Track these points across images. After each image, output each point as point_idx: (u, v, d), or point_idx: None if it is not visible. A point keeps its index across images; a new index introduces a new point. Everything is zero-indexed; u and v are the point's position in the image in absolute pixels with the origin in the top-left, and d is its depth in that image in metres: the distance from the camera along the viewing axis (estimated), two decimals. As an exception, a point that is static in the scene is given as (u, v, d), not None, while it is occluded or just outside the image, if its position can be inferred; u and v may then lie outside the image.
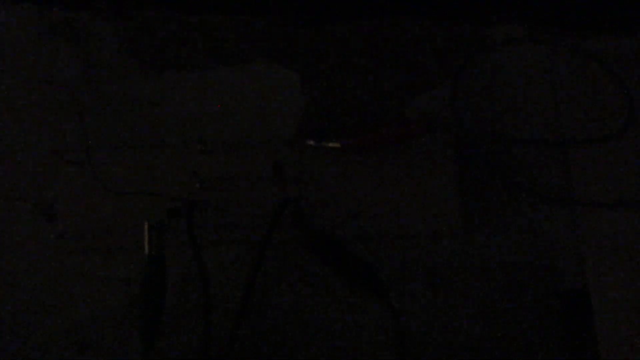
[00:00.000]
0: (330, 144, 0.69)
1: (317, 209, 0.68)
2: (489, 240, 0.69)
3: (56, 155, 0.72)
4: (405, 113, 0.71)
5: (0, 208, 0.72)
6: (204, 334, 0.63)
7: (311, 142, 0.69)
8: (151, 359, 0.63)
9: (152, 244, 0.64)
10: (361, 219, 0.68)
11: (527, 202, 0.70)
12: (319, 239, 0.66)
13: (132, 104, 0.75)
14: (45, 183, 0.72)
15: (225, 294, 0.67)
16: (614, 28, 0.75)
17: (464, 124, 0.72)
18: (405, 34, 0.77)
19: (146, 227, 0.64)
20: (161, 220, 0.65)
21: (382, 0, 0.78)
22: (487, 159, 0.71)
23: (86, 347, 0.67)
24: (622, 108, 0.71)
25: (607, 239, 0.67)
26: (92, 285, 0.69)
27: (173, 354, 0.66)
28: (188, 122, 0.74)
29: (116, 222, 0.69)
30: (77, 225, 0.69)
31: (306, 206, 0.68)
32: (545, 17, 0.77)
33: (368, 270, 0.65)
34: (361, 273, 0.66)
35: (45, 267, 0.70)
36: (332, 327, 0.67)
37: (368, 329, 0.67)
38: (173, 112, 0.75)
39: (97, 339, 0.67)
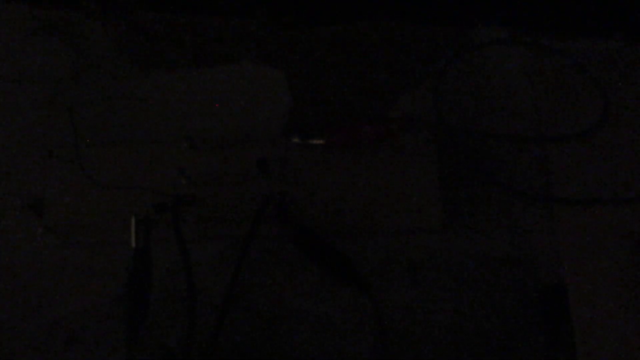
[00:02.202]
0: (315, 141, 0.70)
1: (301, 205, 0.70)
2: (468, 235, 0.70)
3: (45, 152, 0.73)
4: (389, 113, 0.73)
5: (-11, 203, 0.73)
6: (188, 326, 0.64)
7: (296, 140, 0.71)
8: (136, 352, 0.64)
9: (138, 238, 0.65)
10: (344, 215, 0.70)
11: (506, 199, 0.71)
12: (303, 233, 0.67)
13: (120, 102, 0.77)
14: (34, 178, 0.73)
15: (211, 288, 0.68)
16: (591, 31, 0.77)
17: (445, 121, 0.74)
18: (390, 36, 0.78)
19: (133, 221, 0.66)
20: (148, 215, 0.66)
21: (367, 3, 0.79)
22: (467, 156, 0.73)
23: (73, 340, 0.68)
24: (597, 106, 0.73)
25: (584, 234, 0.69)
26: (79, 279, 0.70)
27: (158, 347, 0.67)
28: (176, 119, 0.76)
29: (103, 216, 0.70)
30: (65, 220, 0.70)
31: (290, 202, 0.69)
32: (526, 20, 0.78)
33: (349, 265, 0.67)
34: (343, 267, 0.67)
35: (33, 261, 0.71)
36: (314, 320, 0.68)
37: (350, 322, 0.68)
38: (161, 110, 0.76)
39: (84, 332, 0.68)
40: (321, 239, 0.67)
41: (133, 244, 0.65)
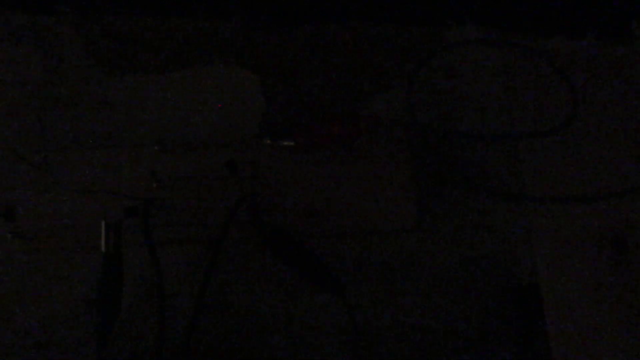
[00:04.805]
0: (285, 142, 0.70)
1: (273, 207, 0.69)
2: (443, 236, 0.70)
3: (15, 156, 0.73)
4: (357, 112, 0.73)
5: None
6: (157, 331, 0.63)
7: (268, 141, 0.70)
8: (106, 358, 0.63)
9: (108, 242, 0.65)
10: (317, 216, 0.69)
11: (479, 198, 0.71)
12: (275, 236, 0.67)
13: (91, 105, 0.76)
14: (5, 183, 0.72)
15: (183, 292, 0.68)
16: (563, 30, 0.77)
17: (418, 121, 0.74)
18: (363, 36, 0.78)
19: (103, 225, 0.65)
20: (118, 219, 0.66)
21: (340, 5, 0.79)
22: (440, 155, 0.73)
23: (42, 347, 0.67)
24: (568, 104, 0.73)
25: (557, 233, 0.69)
26: (49, 284, 0.69)
27: (128, 353, 0.67)
28: (148, 123, 0.75)
29: (73, 221, 0.70)
30: (36, 224, 0.70)
31: (262, 204, 0.69)
32: (498, 19, 0.78)
33: (323, 266, 0.66)
34: (316, 269, 0.66)
35: (2, 266, 0.70)
36: (288, 323, 0.68)
37: (324, 325, 0.67)
38: (133, 113, 0.76)
39: (53, 338, 0.68)
40: (294, 241, 0.67)
41: (103, 249, 0.65)
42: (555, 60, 0.75)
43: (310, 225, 0.69)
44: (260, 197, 0.69)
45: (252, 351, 0.67)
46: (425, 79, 0.76)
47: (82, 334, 0.67)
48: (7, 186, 0.72)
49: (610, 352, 0.64)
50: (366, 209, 0.70)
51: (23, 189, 0.72)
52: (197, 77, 0.77)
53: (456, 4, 0.79)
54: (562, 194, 0.70)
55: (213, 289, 0.68)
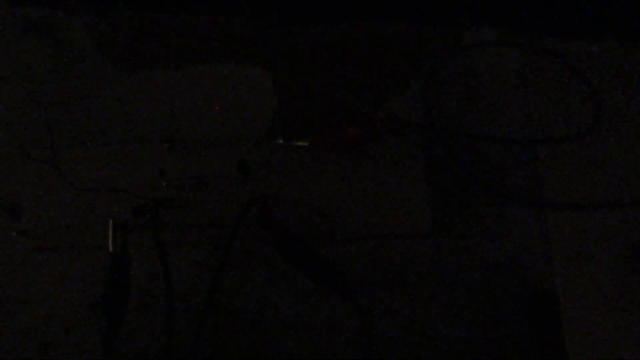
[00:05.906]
0: (299, 143, 0.68)
1: (285, 208, 0.68)
2: (457, 240, 0.69)
3: (22, 152, 0.72)
4: (377, 114, 0.71)
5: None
6: (166, 333, 0.62)
7: (280, 141, 0.69)
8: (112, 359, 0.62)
9: (116, 242, 0.64)
10: (330, 219, 0.68)
11: (496, 203, 0.70)
12: (286, 238, 0.66)
13: (100, 101, 0.75)
14: (11, 180, 0.71)
15: (191, 294, 0.66)
16: (583, 32, 0.76)
17: (434, 123, 0.72)
18: (379, 36, 0.77)
19: (111, 225, 0.64)
20: (126, 219, 0.65)
21: (355, 3, 0.78)
22: (457, 159, 0.71)
23: (48, 346, 0.66)
24: (590, 109, 0.72)
25: (575, 240, 0.67)
26: (55, 283, 0.68)
27: (135, 354, 0.65)
28: (157, 120, 0.74)
29: (80, 220, 0.68)
30: (42, 223, 0.69)
31: (274, 205, 0.68)
32: (517, 21, 0.77)
33: (334, 270, 0.65)
34: (327, 273, 0.65)
35: (6, 265, 0.69)
36: (299, 327, 0.66)
37: (335, 329, 0.66)
38: (142, 110, 0.75)
39: (59, 337, 0.66)
40: (305, 244, 0.66)
41: (110, 249, 0.63)
42: (575, 64, 0.73)
43: (323, 228, 0.68)
44: (272, 198, 0.68)
45: (261, 354, 0.66)
46: (442, 80, 0.74)
47: (87, 335, 0.66)
48: (13, 183, 0.71)
49: (629, 362, 0.63)
50: (380, 212, 0.68)
51: (29, 186, 0.70)
52: (208, 73, 0.76)
53: (474, 5, 0.77)
54: (582, 201, 0.68)
55: (222, 292, 0.66)
